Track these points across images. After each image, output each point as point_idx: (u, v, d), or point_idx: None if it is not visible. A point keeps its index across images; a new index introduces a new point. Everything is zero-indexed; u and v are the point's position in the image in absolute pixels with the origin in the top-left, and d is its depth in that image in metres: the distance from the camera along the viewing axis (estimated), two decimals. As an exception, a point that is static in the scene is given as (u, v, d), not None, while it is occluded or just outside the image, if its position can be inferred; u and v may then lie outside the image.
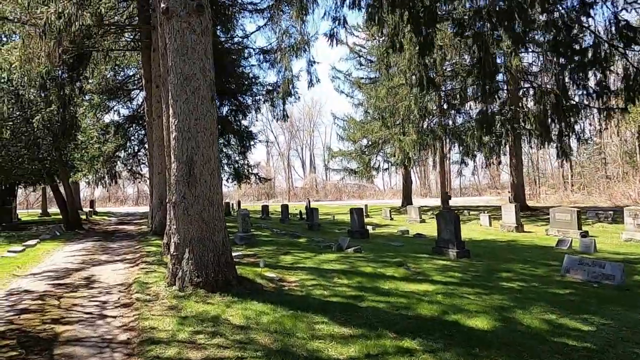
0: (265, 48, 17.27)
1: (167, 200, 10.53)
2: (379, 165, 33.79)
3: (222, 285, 5.86)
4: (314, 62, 16.74)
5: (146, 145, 26.38)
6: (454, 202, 33.73)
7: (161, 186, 14.24)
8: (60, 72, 15.52)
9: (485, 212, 23.89)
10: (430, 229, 18.39)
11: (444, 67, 22.90)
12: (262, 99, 19.68)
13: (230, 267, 6.16)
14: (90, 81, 21.51)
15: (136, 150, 29.19)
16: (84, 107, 20.38)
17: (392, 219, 24.09)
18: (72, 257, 10.34)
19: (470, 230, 17.23)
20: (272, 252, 10.76)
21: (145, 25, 15.00)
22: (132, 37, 18.59)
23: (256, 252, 10.68)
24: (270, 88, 19.06)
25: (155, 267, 8.18)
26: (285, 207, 23.14)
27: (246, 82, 19.01)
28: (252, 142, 21.75)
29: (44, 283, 7.29)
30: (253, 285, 6.32)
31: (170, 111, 6.10)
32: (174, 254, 6.08)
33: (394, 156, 25.54)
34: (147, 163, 26.67)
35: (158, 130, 14.26)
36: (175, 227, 6.10)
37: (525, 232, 15.93)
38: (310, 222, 18.57)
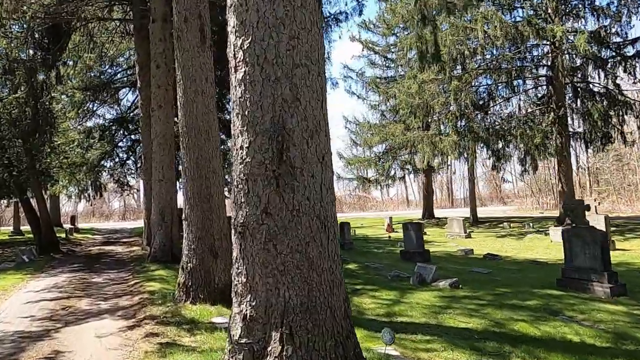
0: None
1: (183, 217, 7.03)
2: (394, 173, 30.89)
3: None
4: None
5: (137, 154, 22.89)
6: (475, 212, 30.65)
7: (163, 196, 10.84)
8: (30, 53, 12.05)
9: (530, 224, 20.96)
10: (490, 246, 15.25)
11: (485, 61, 20.03)
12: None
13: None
14: (72, 79, 18.05)
15: (124, 159, 25.67)
16: (63, 103, 16.83)
17: (425, 233, 20.88)
18: (37, 305, 6.84)
19: (543, 249, 14.10)
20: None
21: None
22: (122, 15, 15.30)
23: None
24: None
25: (173, 334, 4.74)
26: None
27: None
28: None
29: (-34, 378, 3.86)
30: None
31: (232, 21, 2.78)
32: (245, 341, 2.68)
33: (423, 161, 22.42)
34: (138, 172, 23.14)
35: (159, 124, 10.90)
36: (242, 278, 2.73)
37: (618, 249, 12.84)
38: (342, 241, 15.23)
